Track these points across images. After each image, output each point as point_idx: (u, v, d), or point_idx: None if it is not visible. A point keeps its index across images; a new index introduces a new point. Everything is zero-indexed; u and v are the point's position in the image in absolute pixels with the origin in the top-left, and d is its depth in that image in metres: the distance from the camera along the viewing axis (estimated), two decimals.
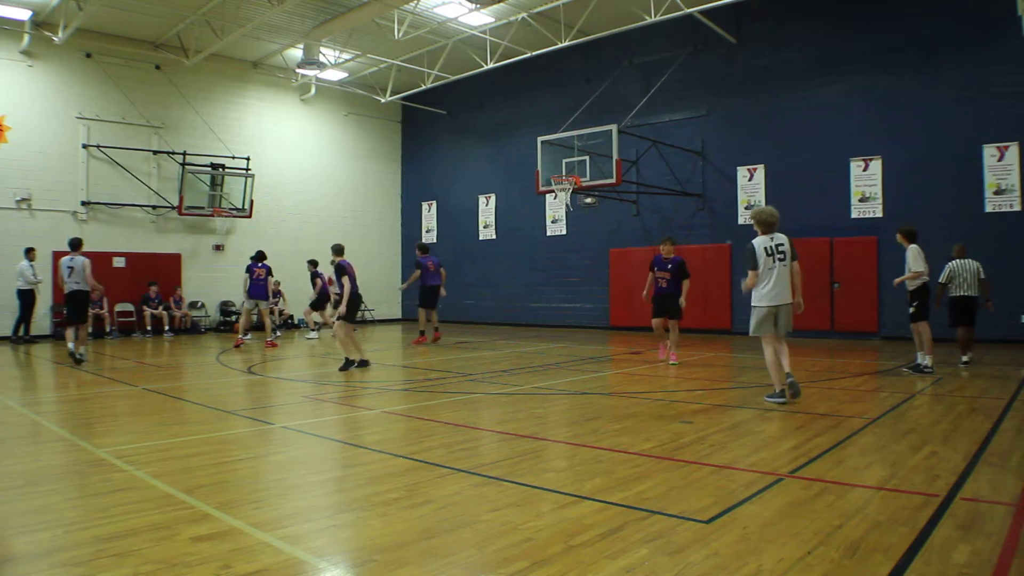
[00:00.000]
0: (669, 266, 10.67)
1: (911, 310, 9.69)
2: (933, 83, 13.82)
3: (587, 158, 15.02)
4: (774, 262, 6.82)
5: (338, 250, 10.20)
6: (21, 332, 15.12)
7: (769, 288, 6.82)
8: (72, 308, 11.14)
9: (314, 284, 16.08)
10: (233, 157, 19.33)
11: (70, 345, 11.15)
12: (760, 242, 6.84)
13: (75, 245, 11.27)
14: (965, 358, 10.15)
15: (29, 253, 15.11)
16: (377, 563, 3.09)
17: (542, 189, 15.93)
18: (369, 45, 18.01)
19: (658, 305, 10.77)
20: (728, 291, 16.36)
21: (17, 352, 13.58)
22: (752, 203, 16.10)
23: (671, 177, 17.08)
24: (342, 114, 22.27)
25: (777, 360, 6.96)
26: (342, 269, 9.83)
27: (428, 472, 4.60)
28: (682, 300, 10.63)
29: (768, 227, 6.91)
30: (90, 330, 16.80)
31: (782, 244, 6.89)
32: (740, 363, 11.12)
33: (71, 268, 11.01)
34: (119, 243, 17.95)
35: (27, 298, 15.02)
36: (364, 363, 9.99)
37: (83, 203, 17.24)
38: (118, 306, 17.57)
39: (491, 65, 17.48)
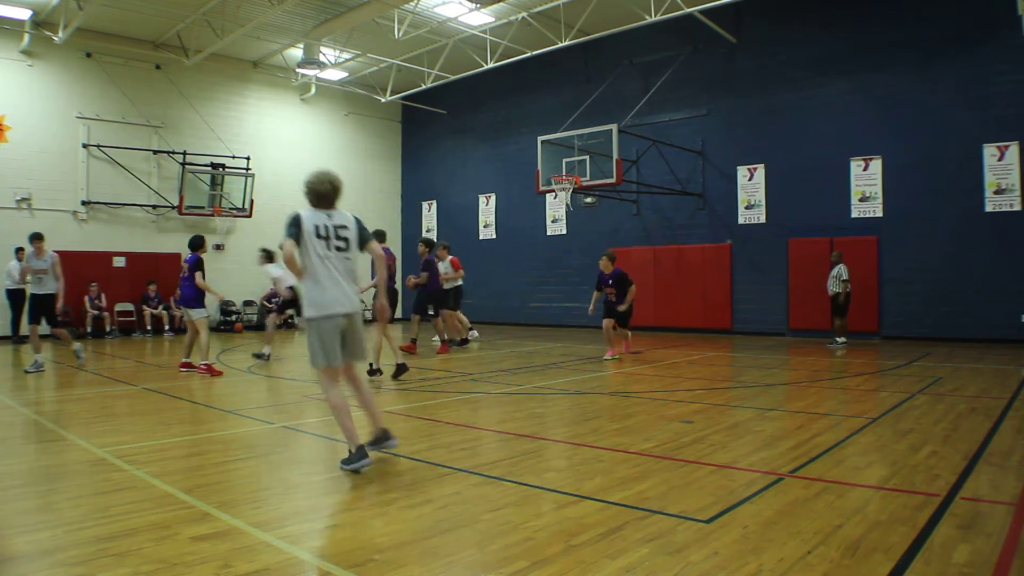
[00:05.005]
0: (610, 281, 11.27)
1: None
2: (933, 83, 13.81)
3: (587, 158, 15.02)
4: (328, 248, 4.60)
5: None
6: (22, 331, 15.10)
7: (326, 288, 4.57)
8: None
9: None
10: (233, 157, 19.33)
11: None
12: (310, 216, 4.64)
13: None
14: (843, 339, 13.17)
15: (19, 252, 15.07)
16: (377, 563, 3.09)
17: (542, 189, 15.93)
18: (369, 45, 18.01)
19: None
20: (728, 291, 16.37)
21: (18, 351, 13.58)
22: (752, 203, 16.11)
23: (671, 177, 17.08)
24: (342, 114, 22.27)
25: (347, 406, 4.63)
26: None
27: (428, 472, 4.60)
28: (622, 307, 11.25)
29: (323, 199, 4.70)
30: (88, 329, 16.90)
31: (344, 227, 4.70)
32: (740, 363, 11.12)
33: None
34: (119, 243, 17.95)
35: (14, 298, 14.99)
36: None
37: (83, 203, 17.25)
38: (118, 306, 17.58)
39: (491, 65, 17.48)
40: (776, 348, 13.24)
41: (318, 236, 4.58)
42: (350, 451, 4.55)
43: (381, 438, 4.81)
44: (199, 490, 4.16)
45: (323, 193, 4.70)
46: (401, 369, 9.00)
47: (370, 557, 3.16)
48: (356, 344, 4.74)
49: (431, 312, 12.55)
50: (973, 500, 3.92)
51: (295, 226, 4.58)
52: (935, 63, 13.81)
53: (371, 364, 9.08)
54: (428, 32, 16.81)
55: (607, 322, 11.30)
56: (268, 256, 11.97)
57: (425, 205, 23.27)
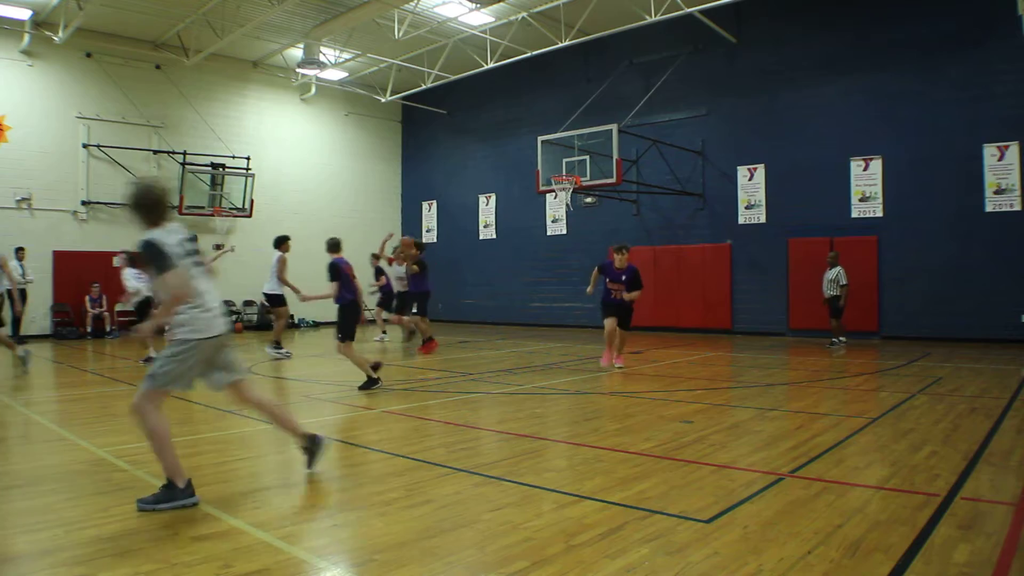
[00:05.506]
0: (623, 277, 9.81)
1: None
2: (933, 83, 13.81)
3: (587, 158, 15.02)
4: (194, 265, 4.09)
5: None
6: (21, 332, 15.09)
7: (211, 308, 4.08)
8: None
9: (377, 279, 15.35)
10: (233, 157, 19.33)
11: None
12: (164, 236, 3.99)
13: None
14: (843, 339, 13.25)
15: (18, 253, 15.06)
16: (377, 563, 3.09)
17: (542, 189, 15.94)
18: (369, 45, 18.00)
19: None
20: (728, 291, 16.36)
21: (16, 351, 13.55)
22: (752, 203, 16.09)
23: (671, 177, 17.08)
24: (342, 114, 22.26)
25: (170, 435, 4.07)
26: None
27: (428, 472, 4.60)
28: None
29: (164, 213, 4.13)
30: (89, 329, 16.89)
31: (191, 239, 4.19)
32: (740, 363, 11.13)
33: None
34: (119, 243, 17.87)
35: (12, 298, 14.97)
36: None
37: (83, 203, 17.24)
38: (118, 306, 17.55)
39: (491, 65, 17.47)
40: (776, 348, 13.24)
41: (184, 254, 4.02)
42: (167, 487, 3.92)
43: (311, 446, 4.47)
44: (198, 490, 4.15)
45: (163, 205, 4.13)
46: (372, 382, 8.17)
47: (370, 557, 3.16)
48: (233, 360, 4.34)
49: (414, 311, 13.01)
50: (973, 500, 3.92)
51: (162, 252, 3.90)
52: (935, 63, 13.80)
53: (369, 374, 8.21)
54: (428, 32, 16.81)
55: (610, 324, 9.87)
56: (131, 259, 10.80)
57: (425, 205, 23.26)
